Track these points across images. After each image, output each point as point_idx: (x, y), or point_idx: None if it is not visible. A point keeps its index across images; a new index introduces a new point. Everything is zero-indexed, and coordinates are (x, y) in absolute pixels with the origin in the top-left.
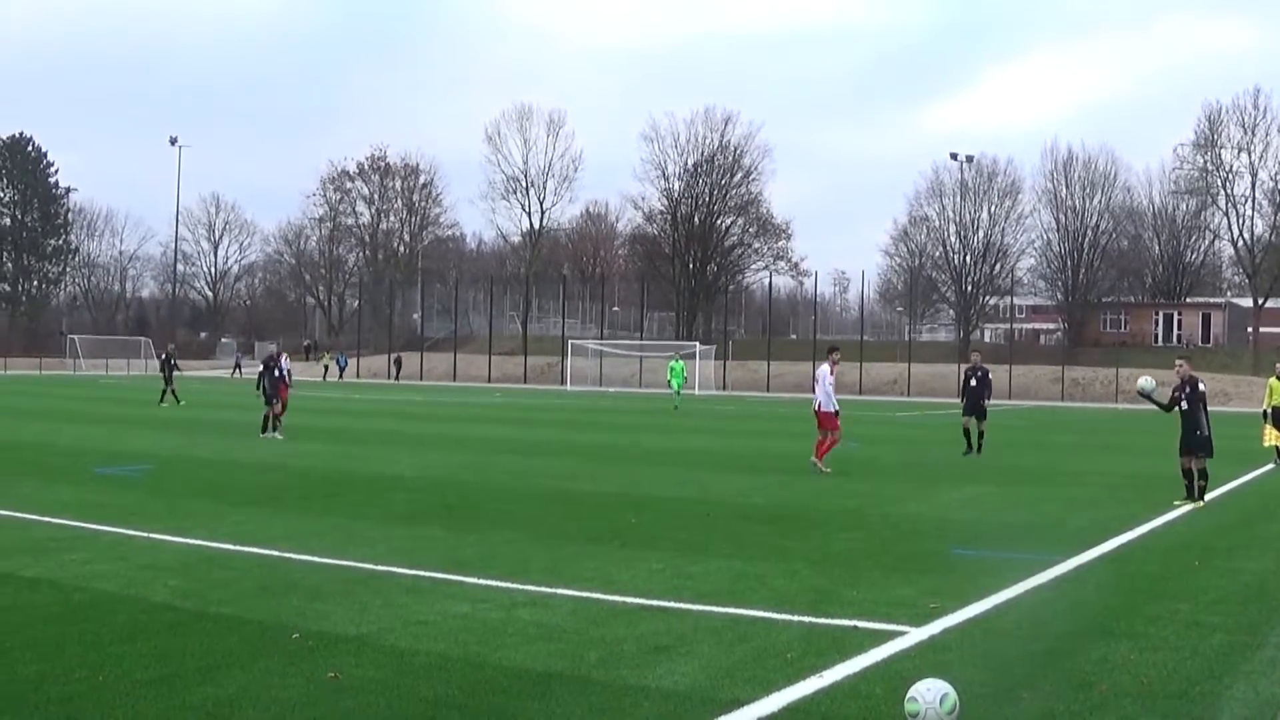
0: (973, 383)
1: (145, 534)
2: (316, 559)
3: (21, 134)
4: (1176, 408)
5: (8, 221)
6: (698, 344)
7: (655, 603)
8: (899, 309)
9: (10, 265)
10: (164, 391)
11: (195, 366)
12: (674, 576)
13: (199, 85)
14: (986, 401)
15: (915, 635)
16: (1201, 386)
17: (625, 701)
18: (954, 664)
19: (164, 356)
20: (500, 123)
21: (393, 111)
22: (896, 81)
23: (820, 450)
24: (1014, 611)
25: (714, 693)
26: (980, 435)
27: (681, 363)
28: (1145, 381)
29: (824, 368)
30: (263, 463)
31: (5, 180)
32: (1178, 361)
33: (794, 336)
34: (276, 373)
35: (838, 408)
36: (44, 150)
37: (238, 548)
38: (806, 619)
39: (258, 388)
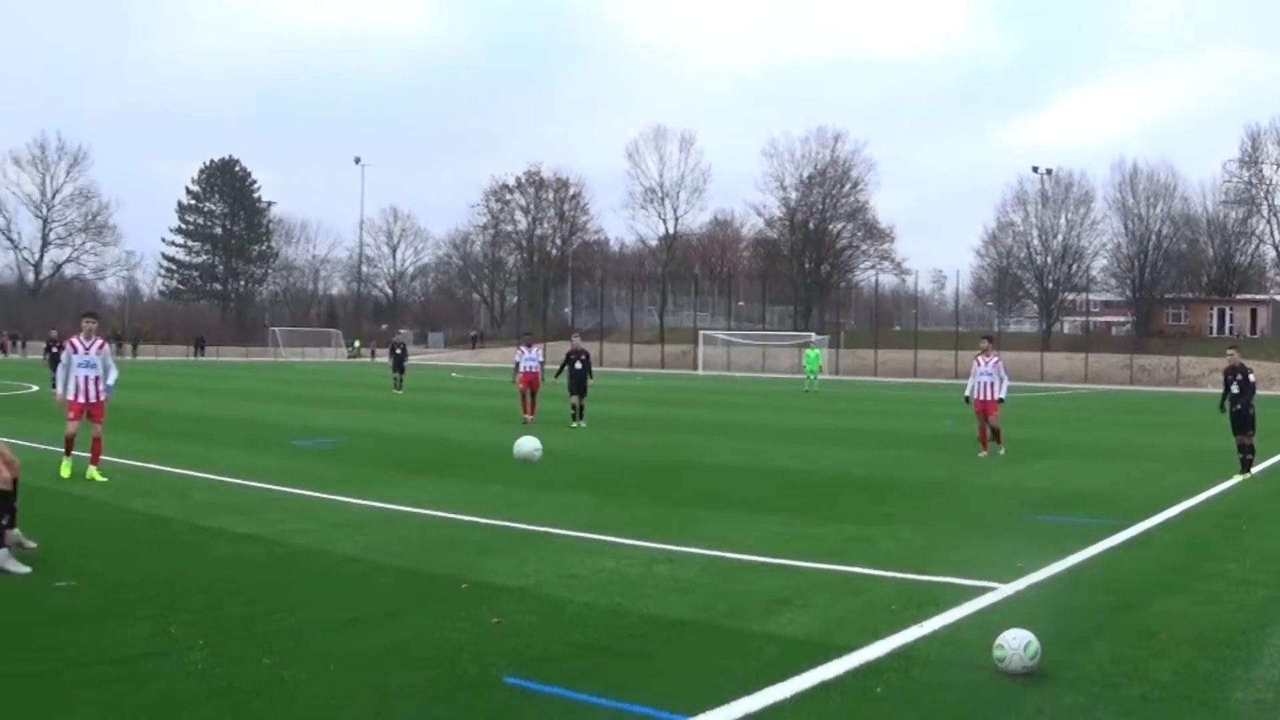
0: (577, 365)
1: (334, 497)
2: (481, 520)
3: (230, 156)
4: (1229, 390)
5: (219, 231)
6: (813, 334)
7: (775, 560)
8: (989, 304)
9: (222, 268)
10: (396, 379)
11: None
12: (791, 538)
13: (379, 112)
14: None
15: (1003, 591)
16: (1252, 377)
17: (750, 646)
18: (1036, 616)
19: (391, 347)
20: (639, 141)
21: (546, 132)
22: (984, 101)
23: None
24: (1088, 570)
25: (828, 639)
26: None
27: (817, 350)
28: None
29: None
30: (433, 437)
31: (217, 196)
32: (1229, 350)
33: (898, 328)
34: (578, 364)
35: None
36: (248, 170)
37: (413, 509)
38: (908, 576)
39: (556, 376)
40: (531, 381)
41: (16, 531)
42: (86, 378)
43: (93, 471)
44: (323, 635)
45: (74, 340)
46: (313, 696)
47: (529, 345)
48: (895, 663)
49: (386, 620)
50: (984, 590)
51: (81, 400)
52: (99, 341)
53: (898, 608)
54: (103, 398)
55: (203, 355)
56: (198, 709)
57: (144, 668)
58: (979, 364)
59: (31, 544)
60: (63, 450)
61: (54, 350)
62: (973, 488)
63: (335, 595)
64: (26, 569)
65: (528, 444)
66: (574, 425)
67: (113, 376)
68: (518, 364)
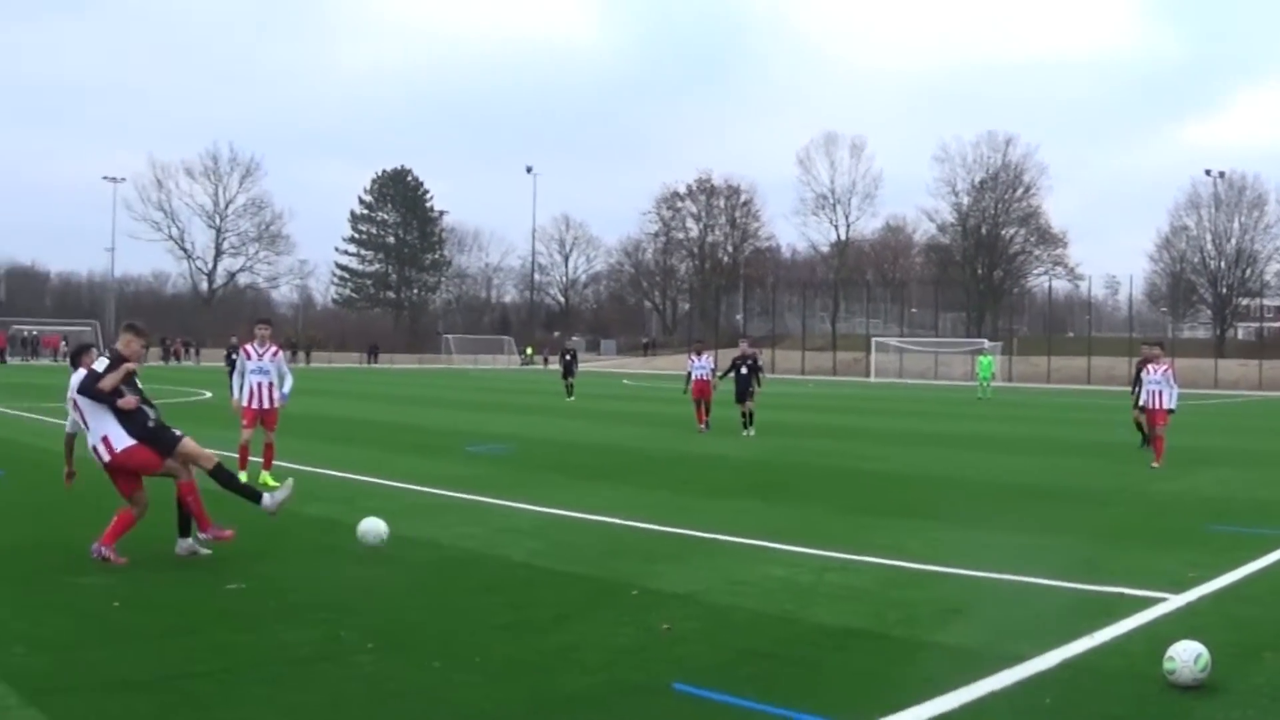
0: (743, 370)
1: (505, 502)
2: (651, 526)
3: (402, 166)
4: None
5: (392, 240)
6: (986, 341)
7: (946, 569)
8: (1163, 310)
9: (395, 276)
10: (568, 385)
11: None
12: (963, 546)
13: (550, 121)
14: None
15: (1174, 601)
16: None
17: (920, 655)
18: (1207, 627)
19: (561, 353)
20: (809, 148)
21: (717, 139)
22: (1155, 101)
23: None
24: (1261, 580)
25: (998, 649)
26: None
27: (990, 357)
28: None
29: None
30: (604, 443)
31: (390, 205)
32: None
33: (1071, 334)
34: (743, 369)
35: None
36: (420, 180)
37: (583, 515)
38: (1079, 586)
39: (720, 377)
40: (703, 390)
41: (190, 540)
42: (260, 383)
43: (265, 476)
44: (491, 639)
45: (248, 347)
46: (480, 699)
47: (699, 354)
48: (1064, 674)
49: (555, 625)
50: (1155, 601)
51: (255, 406)
52: (273, 348)
53: (1068, 618)
54: (277, 405)
55: (376, 362)
56: (366, 710)
57: (314, 669)
58: (1149, 372)
59: (205, 551)
60: (236, 460)
61: (233, 357)
62: (1145, 496)
63: (504, 600)
64: (207, 551)
65: (372, 529)
66: (744, 434)
67: (288, 384)
68: (689, 374)
